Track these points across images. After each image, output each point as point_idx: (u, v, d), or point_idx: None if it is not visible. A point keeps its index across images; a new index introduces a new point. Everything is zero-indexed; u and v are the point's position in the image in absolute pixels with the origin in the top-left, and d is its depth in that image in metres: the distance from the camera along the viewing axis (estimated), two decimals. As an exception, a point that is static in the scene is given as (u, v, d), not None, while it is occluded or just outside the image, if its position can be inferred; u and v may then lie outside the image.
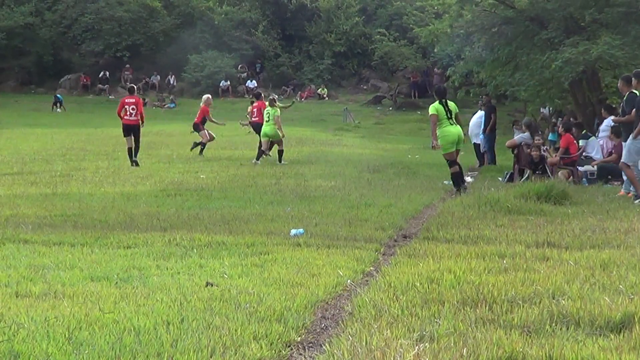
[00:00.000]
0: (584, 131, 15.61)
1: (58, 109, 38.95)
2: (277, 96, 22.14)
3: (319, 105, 40.97)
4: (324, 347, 4.11)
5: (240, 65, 44.96)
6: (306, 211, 9.67)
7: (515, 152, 15.55)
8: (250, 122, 29.86)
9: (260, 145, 17.99)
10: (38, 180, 14.02)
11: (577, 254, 6.54)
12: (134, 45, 44.97)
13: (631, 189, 11.03)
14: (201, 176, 14.71)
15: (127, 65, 45.10)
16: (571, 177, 14.24)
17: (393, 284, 5.40)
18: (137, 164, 16.85)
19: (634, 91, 10.95)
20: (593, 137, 15.07)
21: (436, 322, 4.40)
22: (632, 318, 4.37)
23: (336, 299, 5.23)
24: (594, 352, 3.86)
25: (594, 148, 14.64)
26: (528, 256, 6.45)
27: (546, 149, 15.49)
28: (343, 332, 4.33)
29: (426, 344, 3.96)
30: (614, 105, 15.87)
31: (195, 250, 7.00)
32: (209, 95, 21.79)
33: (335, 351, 3.90)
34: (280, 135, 17.77)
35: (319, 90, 43.79)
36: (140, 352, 3.91)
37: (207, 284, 5.49)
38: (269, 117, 17.64)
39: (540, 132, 17.52)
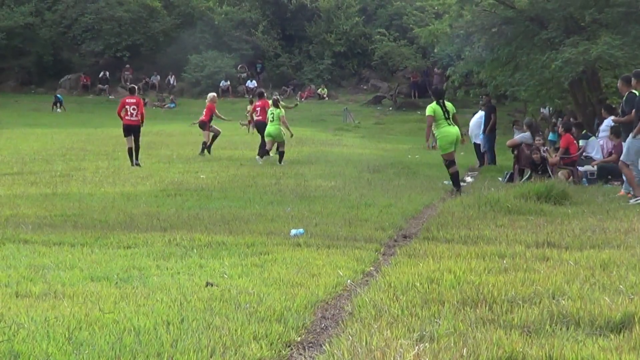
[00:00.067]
0: (584, 131, 15.62)
1: (58, 109, 38.96)
2: (280, 96, 22.17)
3: (319, 105, 40.98)
4: (324, 347, 4.11)
5: (240, 66, 44.96)
6: (306, 211, 9.67)
7: (515, 152, 15.55)
8: (249, 122, 30.01)
9: (264, 145, 18.00)
10: (38, 180, 14.02)
11: (577, 254, 6.54)
12: (134, 45, 44.99)
13: (630, 189, 11.04)
14: (201, 176, 14.71)
15: (127, 65, 45.12)
16: (571, 177, 14.24)
17: (393, 284, 5.40)
18: (138, 165, 16.85)
19: (634, 91, 10.96)
20: (593, 137, 15.07)
21: (436, 322, 4.40)
22: (632, 318, 4.37)
23: (336, 299, 5.23)
24: (594, 352, 3.86)
25: (594, 148, 14.64)
26: (528, 256, 6.44)
27: (546, 149, 15.49)
28: (343, 332, 4.33)
29: (426, 344, 3.96)
30: (614, 106, 15.87)
31: (195, 250, 6.99)
32: (214, 94, 21.83)
33: (335, 351, 3.90)
34: (289, 134, 18.09)
35: (319, 90, 43.80)
36: (140, 352, 3.91)
37: (207, 284, 5.49)
38: (273, 117, 17.63)
39: (540, 133, 17.53)
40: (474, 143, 19.85)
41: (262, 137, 18.60)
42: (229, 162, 17.99)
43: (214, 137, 19.95)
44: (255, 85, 43.99)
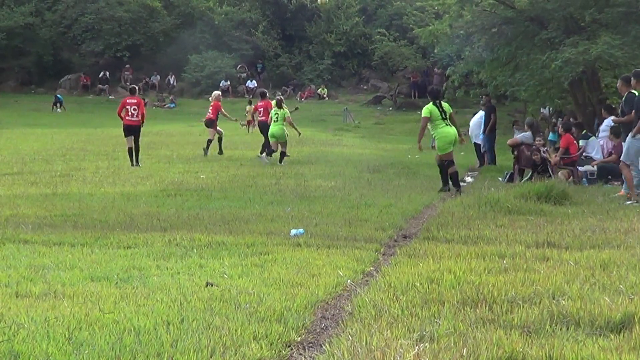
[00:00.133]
0: (584, 131, 15.61)
1: (58, 109, 38.96)
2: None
3: (319, 105, 40.99)
4: (324, 347, 4.11)
5: (239, 66, 44.97)
6: (306, 211, 9.67)
7: (515, 152, 15.55)
8: (248, 122, 30.07)
9: (268, 144, 18.05)
10: (38, 180, 14.03)
11: (577, 254, 6.54)
12: (134, 45, 45.00)
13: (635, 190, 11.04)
14: (201, 176, 14.71)
15: (127, 66, 45.13)
16: (571, 177, 14.24)
17: (393, 284, 5.40)
18: (138, 165, 16.85)
19: (633, 91, 10.95)
20: (593, 137, 15.07)
21: (436, 322, 4.40)
22: (632, 318, 4.37)
23: (336, 299, 5.23)
24: (594, 352, 3.86)
25: (594, 148, 14.64)
26: (528, 256, 6.44)
27: (546, 150, 15.49)
28: (343, 332, 4.33)
29: (426, 344, 3.96)
30: (613, 106, 15.87)
31: (195, 250, 6.99)
32: (219, 92, 21.90)
33: (335, 351, 3.90)
34: (297, 133, 18.51)
35: (319, 90, 43.81)
36: (140, 352, 3.91)
37: (207, 284, 5.49)
38: (277, 117, 17.61)
39: (541, 133, 17.53)
40: (474, 143, 19.86)
41: (265, 137, 18.69)
42: (229, 162, 18.00)
43: (220, 139, 19.92)
44: (255, 85, 44.00)
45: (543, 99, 23.78)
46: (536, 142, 15.30)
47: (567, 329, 4.27)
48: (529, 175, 14.74)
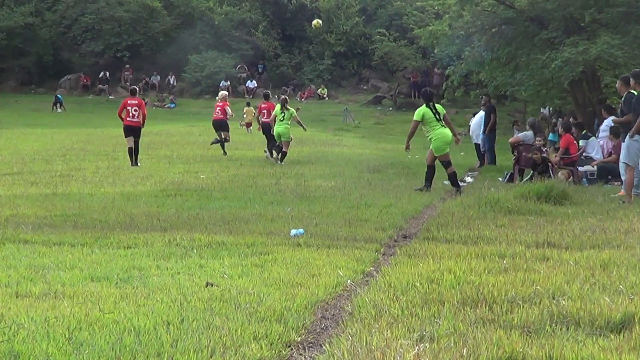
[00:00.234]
0: (584, 131, 15.62)
1: (58, 109, 38.96)
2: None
3: (319, 105, 40.99)
4: (324, 347, 4.11)
5: (239, 66, 44.95)
6: (306, 211, 9.67)
7: (515, 152, 15.56)
8: (246, 124, 30.12)
9: (274, 143, 18.21)
10: (38, 180, 14.03)
11: (577, 254, 6.54)
12: (134, 45, 45.00)
13: (634, 190, 11.04)
14: (201, 176, 14.71)
15: (127, 66, 45.14)
16: (571, 177, 14.25)
17: (393, 284, 5.40)
18: (137, 165, 16.86)
19: (632, 91, 10.95)
20: (593, 137, 15.07)
21: (436, 322, 4.39)
22: (632, 318, 4.37)
23: (336, 299, 5.23)
24: (594, 352, 3.86)
25: (594, 148, 14.64)
26: (528, 256, 6.44)
27: (546, 150, 15.50)
28: (343, 332, 4.33)
29: (426, 344, 3.95)
30: (613, 106, 15.88)
31: (195, 250, 6.99)
32: (226, 92, 22.16)
33: (335, 351, 3.90)
34: (303, 129, 18.85)
35: (319, 90, 43.81)
36: (140, 352, 3.91)
37: (207, 284, 5.49)
38: (284, 117, 17.69)
39: (542, 133, 17.54)
40: (475, 143, 19.89)
41: (267, 137, 18.85)
42: (229, 162, 18.00)
43: (219, 142, 20.00)
44: (255, 85, 44.02)
45: (543, 99, 23.81)
46: (536, 142, 15.30)
47: (567, 329, 4.27)
48: (529, 176, 14.74)
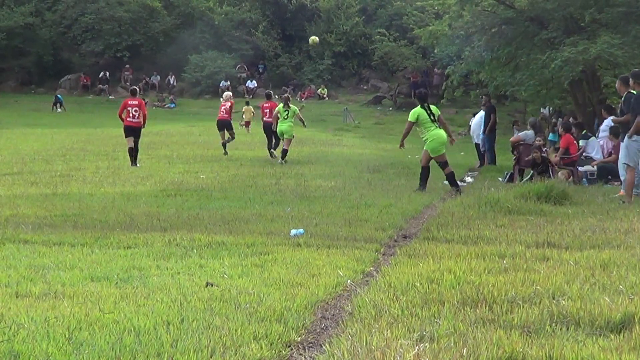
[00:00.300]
0: (584, 131, 15.62)
1: (59, 109, 38.96)
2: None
3: (319, 105, 40.98)
4: (324, 347, 4.11)
5: (239, 66, 44.94)
6: (306, 211, 9.67)
7: (515, 152, 15.56)
8: (245, 123, 30.15)
9: (278, 142, 18.46)
10: (38, 180, 14.03)
11: (577, 254, 6.54)
12: (134, 45, 45.00)
13: (635, 190, 11.03)
14: (201, 176, 14.72)
15: (127, 66, 45.14)
16: (571, 177, 14.24)
17: (393, 284, 5.40)
18: (137, 165, 16.86)
19: (632, 91, 10.95)
20: (593, 138, 15.07)
21: (436, 322, 4.39)
22: (632, 318, 4.37)
23: (336, 299, 5.23)
24: (594, 352, 3.86)
25: (594, 148, 14.64)
26: (528, 256, 6.44)
27: (546, 150, 15.50)
28: (343, 332, 4.33)
29: (426, 344, 3.95)
30: (613, 106, 15.88)
31: (195, 250, 6.99)
32: (231, 93, 22.42)
33: (335, 351, 3.90)
34: (302, 125, 18.99)
35: (319, 90, 43.80)
36: (140, 352, 3.91)
37: (207, 284, 5.49)
38: (287, 115, 17.84)
39: (542, 134, 17.56)
40: (475, 143, 19.91)
41: (268, 137, 18.98)
42: (229, 162, 18.00)
43: (224, 144, 20.08)
44: (256, 85, 44.01)
45: (543, 99, 23.81)
46: (536, 142, 15.31)
47: (567, 329, 4.27)
48: (529, 176, 14.74)
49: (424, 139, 12.27)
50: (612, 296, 4.85)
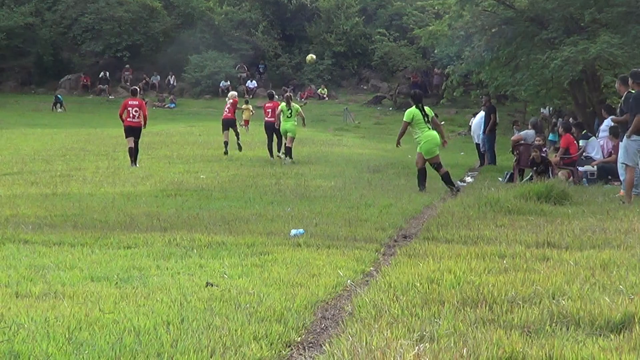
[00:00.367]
0: (584, 131, 15.62)
1: (59, 109, 38.96)
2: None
3: (319, 105, 40.99)
4: (324, 347, 4.11)
5: (238, 66, 44.93)
6: (306, 211, 9.67)
7: (516, 152, 15.57)
8: (244, 122, 30.17)
9: (280, 143, 18.56)
10: (38, 180, 14.03)
11: (577, 254, 6.54)
12: (134, 45, 45.00)
13: (634, 190, 11.03)
14: (201, 176, 14.72)
15: (127, 66, 45.14)
16: (571, 177, 14.24)
17: (393, 284, 5.40)
18: (136, 165, 16.87)
19: (631, 91, 10.94)
20: (593, 138, 15.07)
21: (436, 322, 4.39)
22: (632, 318, 4.37)
23: (336, 299, 5.23)
24: (594, 352, 3.85)
25: (594, 148, 14.64)
26: (528, 256, 6.44)
27: (545, 150, 15.50)
28: (343, 332, 4.32)
29: (426, 344, 3.95)
30: (613, 106, 15.87)
31: (195, 250, 6.99)
32: (236, 92, 22.54)
33: (335, 351, 3.90)
34: (303, 124, 19.08)
35: (319, 90, 43.80)
36: (140, 352, 3.91)
37: (207, 284, 5.49)
38: (291, 113, 17.95)
39: (542, 134, 17.57)
40: (476, 143, 19.93)
41: (268, 137, 19.03)
42: (229, 162, 18.00)
43: (225, 143, 20.13)
44: (256, 85, 44.02)
45: (543, 99, 23.79)
46: (535, 141, 15.31)
47: (567, 329, 4.27)
48: (529, 176, 14.74)
49: (417, 139, 12.29)
50: (612, 296, 4.85)
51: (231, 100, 20.67)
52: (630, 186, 10.75)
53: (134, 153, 17.13)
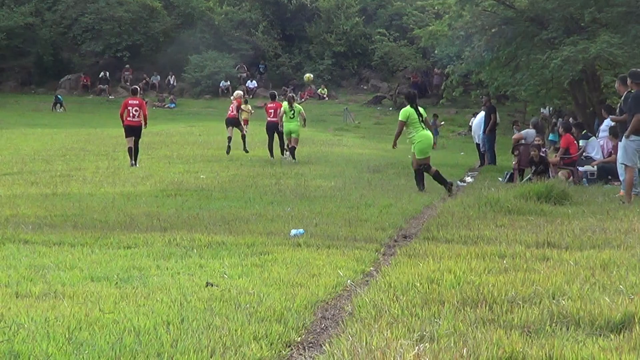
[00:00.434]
0: (584, 131, 15.62)
1: (59, 109, 38.96)
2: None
3: (319, 105, 41.00)
4: (324, 347, 4.10)
5: (238, 66, 44.93)
6: (306, 211, 9.67)
7: (516, 152, 15.58)
8: (244, 121, 30.15)
9: (283, 143, 18.67)
10: (38, 180, 14.03)
11: (577, 254, 6.53)
12: (134, 45, 45.00)
13: (634, 190, 11.02)
14: (201, 176, 14.72)
15: (127, 66, 45.14)
16: (571, 177, 14.24)
17: (393, 284, 5.40)
18: (136, 165, 16.86)
19: (631, 91, 10.94)
20: (593, 138, 15.07)
21: (436, 322, 4.39)
22: (632, 318, 4.36)
23: (336, 299, 5.23)
24: (594, 352, 3.85)
25: (594, 148, 14.64)
26: (528, 256, 6.44)
27: (545, 150, 15.51)
28: (343, 332, 4.32)
29: (426, 344, 3.95)
30: (613, 106, 15.87)
31: (195, 250, 6.99)
32: (242, 92, 22.48)
33: (335, 351, 3.90)
34: (303, 125, 19.01)
35: (319, 90, 43.80)
36: (140, 352, 3.91)
37: (207, 284, 5.49)
38: (294, 114, 18.02)
39: (542, 134, 17.58)
40: (476, 143, 19.95)
41: (269, 137, 19.07)
42: (229, 162, 18.00)
43: (229, 138, 20.18)
44: (256, 85, 44.01)
45: (543, 99, 23.80)
46: (534, 141, 15.32)
47: (567, 329, 4.27)
48: (529, 176, 14.74)
49: (411, 138, 12.29)
50: (612, 296, 4.85)
51: (236, 102, 20.64)
52: (630, 186, 10.75)
53: (133, 153, 17.12)
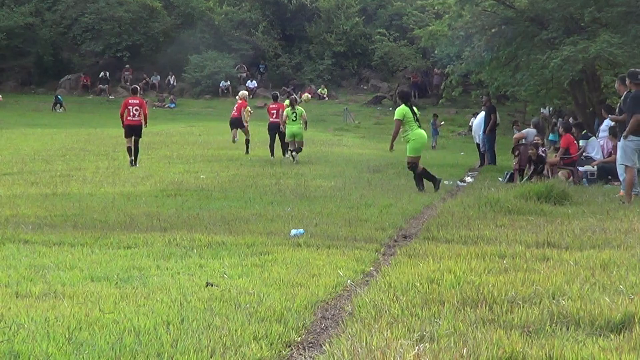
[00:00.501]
0: (584, 131, 15.62)
1: (59, 109, 38.96)
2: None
3: (319, 105, 40.98)
4: (324, 347, 4.10)
5: (238, 66, 44.93)
6: (306, 211, 9.67)
7: (516, 152, 15.58)
8: (246, 122, 30.18)
9: (284, 144, 18.70)
10: (38, 180, 14.03)
11: (577, 254, 6.53)
12: (134, 45, 45.00)
13: (634, 190, 11.02)
14: (201, 176, 14.72)
15: (127, 66, 45.14)
16: (571, 177, 14.24)
17: (393, 284, 5.40)
18: (136, 165, 16.86)
19: (630, 91, 10.93)
20: (593, 138, 15.07)
21: (436, 322, 4.39)
22: (632, 318, 4.36)
23: (336, 299, 5.23)
24: (594, 352, 3.85)
25: (594, 148, 14.64)
26: (528, 256, 6.44)
27: (544, 150, 15.51)
28: (343, 332, 4.32)
29: (426, 344, 3.95)
30: (613, 106, 15.87)
31: (195, 250, 6.99)
32: (246, 92, 22.45)
33: (335, 351, 3.90)
34: (305, 127, 18.70)
35: (319, 90, 43.80)
36: (140, 352, 3.91)
37: (207, 284, 5.49)
38: (296, 116, 17.97)
39: (542, 134, 17.59)
40: (477, 143, 19.96)
41: (271, 137, 19.07)
42: (229, 162, 18.00)
43: (233, 136, 20.20)
44: (256, 85, 44.01)
45: (543, 99, 23.81)
46: (534, 141, 15.33)
47: (567, 329, 4.27)
48: (528, 176, 14.74)
49: (406, 137, 12.29)
50: (612, 296, 4.85)
51: (240, 101, 20.60)
52: (630, 186, 10.74)
53: (133, 152, 17.12)
